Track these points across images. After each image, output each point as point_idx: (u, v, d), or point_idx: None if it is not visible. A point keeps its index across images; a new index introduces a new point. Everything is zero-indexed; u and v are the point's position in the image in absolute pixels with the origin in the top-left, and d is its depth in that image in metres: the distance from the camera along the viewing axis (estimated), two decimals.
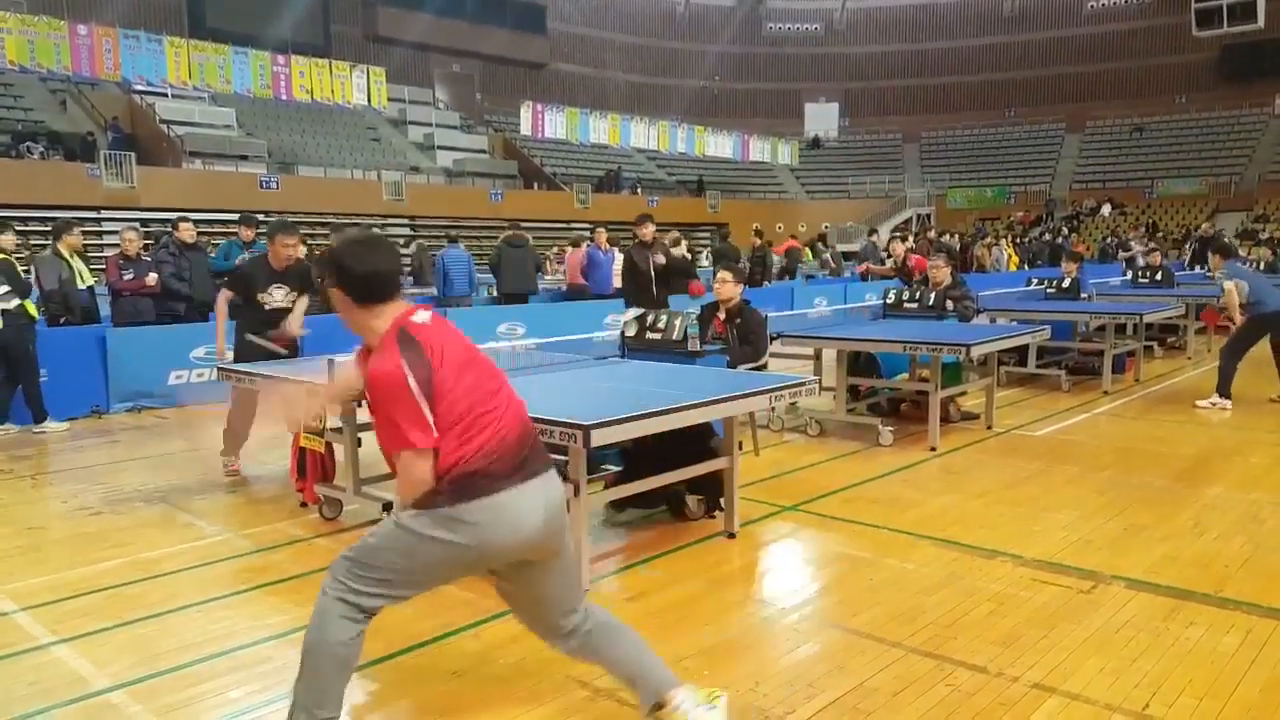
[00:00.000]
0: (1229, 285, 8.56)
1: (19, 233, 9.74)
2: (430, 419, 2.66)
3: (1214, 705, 3.17)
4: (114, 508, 5.86)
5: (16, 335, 8.08)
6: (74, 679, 3.49)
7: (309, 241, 11.27)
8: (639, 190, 36.81)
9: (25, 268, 9.28)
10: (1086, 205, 38.08)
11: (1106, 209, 37.01)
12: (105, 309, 9.97)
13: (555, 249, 22.16)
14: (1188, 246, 19.36)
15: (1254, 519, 5.25)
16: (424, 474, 2.72)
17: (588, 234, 15.79)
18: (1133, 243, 22.01)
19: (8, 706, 3.28)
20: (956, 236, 22.84)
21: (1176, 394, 9.50)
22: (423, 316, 2.79)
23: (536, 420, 3.95)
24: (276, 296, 6.63)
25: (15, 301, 8.05)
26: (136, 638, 3.86)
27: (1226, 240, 9.68)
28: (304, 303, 6.80)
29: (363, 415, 5.15)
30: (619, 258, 13.95)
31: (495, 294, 14.44)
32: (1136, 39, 43.33)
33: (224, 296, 6.69)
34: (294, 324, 6.56)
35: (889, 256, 11.46)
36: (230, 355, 6.60)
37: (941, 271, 9.12)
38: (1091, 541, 4.89)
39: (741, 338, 6.88)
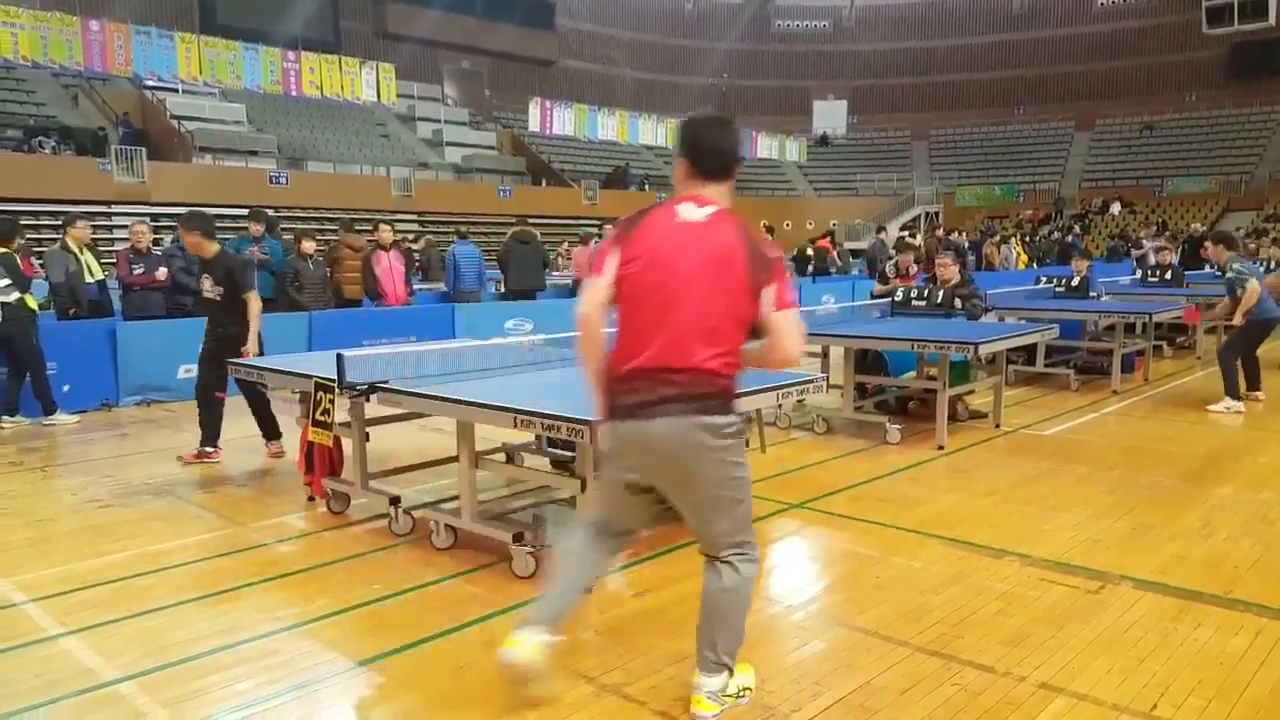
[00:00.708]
0: (1254, 285, 8.27)
1: (28, 226, 9.77)
2: (609, 270, 3.01)
3: (1223, 706, 3.16)
4: (123, 500, 5.88)
5: (18, 328, 8.10)
6: (82, 670, 3.51)
7: (318, 237, 11.27)
8: (646, 187, 36.77)
9: (40, 263, 9.33)
10: (1096, 204, 37.95)
11: (1116, 207, 36.88)
12: (117, 303, 10.01)
13: (565, 245, 22.17)
14: (1179, 247, 19.35)
15: (1263, 519, 5.22)
16: (588, 301, 3.02)
17: (595, 230, 15.83)
18: (1144, 240, 21.91)
19: (17, 697, 3.30)
20: (964, 234, 22.77)
21: (1186, 394, 9.46)
22: (699, 212, 3.03)
23: (544, 416, 3.96)
24: (205, 286, 6.92)
25: (15, 295, 8.07)
26: (144, 630, 3.88)
27: (1229, 232, 9.26)
28: (254, 305, 6.86)
29: (370, 410, 5.17)
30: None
31: (502, 290, 14.46)
32: (1146, 37, 43.15)
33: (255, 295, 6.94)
34: (250, 347, 6.73)
35: (895, 274, 11.40)
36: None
37: (949, 269, 9.09)
38: (1100, 541, 4.88)
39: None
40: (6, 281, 8.01)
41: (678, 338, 2.92)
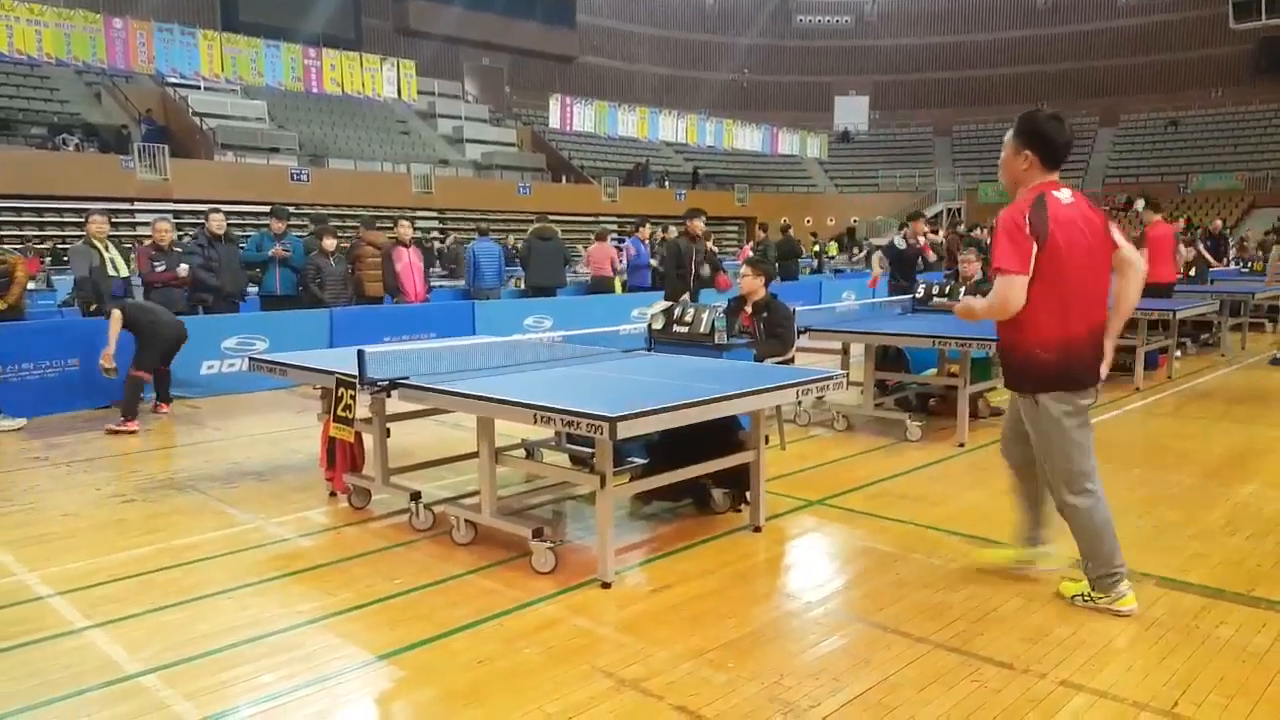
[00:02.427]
0: None
1: (51, 223, 9.75)
2: (1032, 262, 3.56)
3: (1244, 705, 3.13)
4: (147, 495, 5.94)
5: None
6: (107, 663, 3.55)
7: (339, 234, 11.32)
8: (666, 183, 36.75)
9: (65, 258, 9.40)
10: (1120, 200, 37.63)
11: (1140, 204, 36.51)
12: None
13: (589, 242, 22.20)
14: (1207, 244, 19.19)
15: None
16: (1014, 296, 3.61)
17: (613, 227, 15.87)
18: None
19: (43, 689, 3.34)
20: (986, 231, 22.63)
21: (1209, 392, 9.38)
22: (1066, 194, 3.67)
23: (564, 412, 3.97)
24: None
25: None
26: (168, 623, 3.92)
27: None
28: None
29: (391, 406, 5.20)
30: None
31: (523, 286, 14.49)
32: (1172, 31, 42.75)
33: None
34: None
35: (906, 245, 11.39)
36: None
37: (972, 265, 9.05)
38: (1122, 539, 4.81)
39: (769, 331, 6.87)
40: None
41: (1100, 310, 3.76)
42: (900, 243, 11.72)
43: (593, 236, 16.38)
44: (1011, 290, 3.58)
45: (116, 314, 8.21)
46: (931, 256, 11.71)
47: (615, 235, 19.45)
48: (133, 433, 7.84)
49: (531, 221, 15.63)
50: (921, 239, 11.80)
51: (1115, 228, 3.79)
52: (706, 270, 11.01)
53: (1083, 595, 3.91)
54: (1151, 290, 11.47)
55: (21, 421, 8.27)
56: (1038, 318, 3.63)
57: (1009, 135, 3.80)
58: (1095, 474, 3.85)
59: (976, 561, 4.31)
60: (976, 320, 4.00)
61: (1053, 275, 3.58)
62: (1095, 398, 3.84)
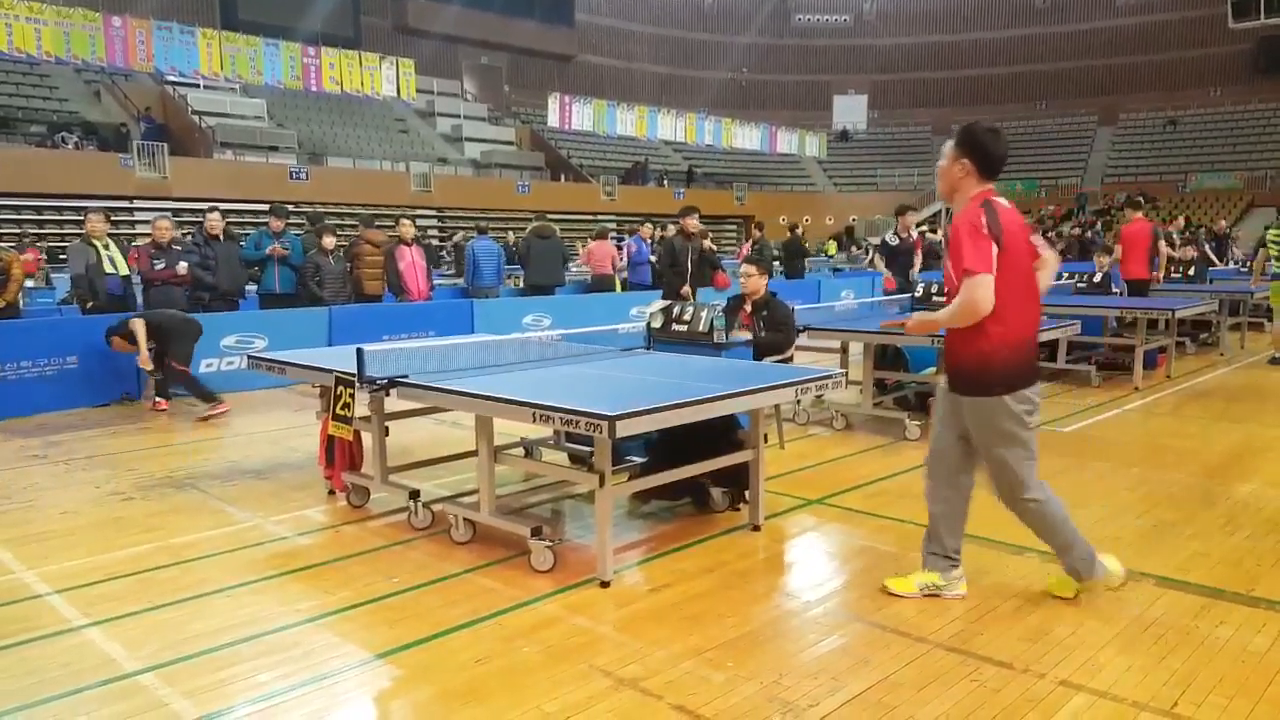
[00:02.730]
0: None
1: (51, 221, 9.69)
2: (994, 259, 3.62)
3: (1244, 704, 3.13)
4: (145, 493, 5.93)
5: None
6: (105, 661, 3.55)
7: (338, 233, 11.32)
8: (665, 182, 36.74)
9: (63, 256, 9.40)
10: (1118, 199, 37.63)
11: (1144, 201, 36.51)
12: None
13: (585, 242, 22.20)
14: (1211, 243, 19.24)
15: None
16: (985, 296, 3.62)
17: (611, 226, 15.88)
18: (1174, 235, 21.75)
19: (41, 687, 3.34)
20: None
21: (1209, 391, 9.38)
22: (1005, 201, 3.78)
23: (563, 411, 3.96)
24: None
25: None
26: (166, 621, 3.91)
27: None
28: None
29: (390, 405, 5.20)
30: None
31: (522, 285, 14.49)
32: (1170, 30, 42.73)
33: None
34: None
35: (899, 242, 11.37)
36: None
37: None
38: (1120, 538, 4.85)
39: (769, 329, 6.86)
40: None
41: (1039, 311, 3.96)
42: (892, 239, 11.70)
43: (592, 235, 16.39)
44: (981, 291, 3.61)
45: (139, 324, 8.42)
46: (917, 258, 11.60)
47: (614, 234, 19.45)
48: (225, 410, 8.47)
49: (530, 220, 15.61)
50: (913, 233, 11.77)
51: (1037, 236, 4.03)
52: (703, 250, 10.93)
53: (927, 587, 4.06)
54: (1127, 287, 11.66)
55: None
56: (1005, 316, 3.69)
57: (948, 145, 3.91)
58: None
59: (885, 587, 4.14)
60: (936, 331, 4.06)
61: (1011, 275, 3.68)
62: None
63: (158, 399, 8.83)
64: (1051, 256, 4.03)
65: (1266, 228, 14.88)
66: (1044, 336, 8.01)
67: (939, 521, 4.11)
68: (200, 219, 11.11)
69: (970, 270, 3.63)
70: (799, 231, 20.16)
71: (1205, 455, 6.65)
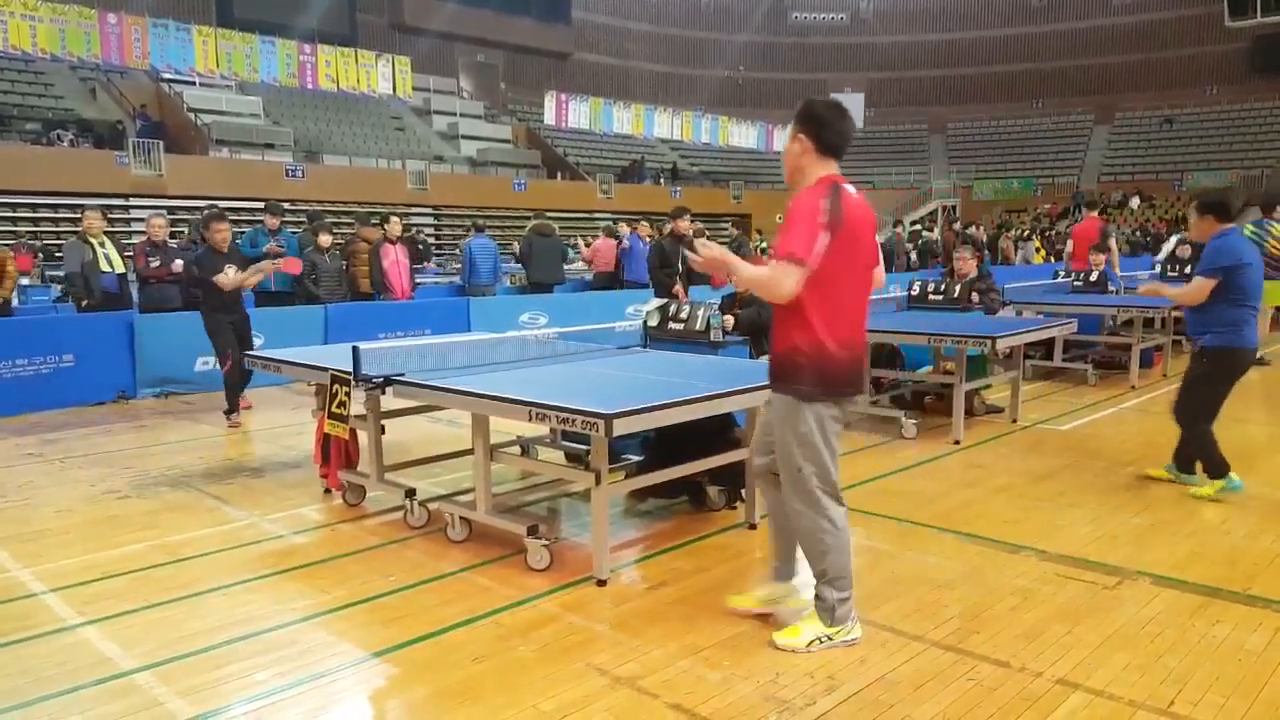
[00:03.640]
0: (1204, 283, 5.35)
1: (46, 219, 9.64)
2: (821, 249, 3.30)
3: (1240, 703, 3.13)
4: (140, 492, 5.92)
5: None
6: (101, 660, 3.54)
7: (335, 230, 11.31)
8: (661, 180, 36.72)
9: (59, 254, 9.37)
10: (1115, 198, 37.69)
11: (1135, 202, 36.61)
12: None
13: (585, 238, 22.18)
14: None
15: None
16: (790, 286, 3.33)
17: (612, 223, 15.88)
18: (1172, 235, 21.80)
19: (36, 686, 3.33)
20: (981, 228, 22.67)
21: None
22: (852, 189, 3.45)
23: (559, 409, 3.96)
24: (230, 275, 7.90)
25: None
26: (162, 620, 3.90)
27: (1222, 198, 5.78)
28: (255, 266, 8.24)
29: (386, 403, 5.19)
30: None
31: (524, 283, 14.48)
32: (1167, 29, 42.78)
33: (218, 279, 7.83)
34: (244, 276, 7.99)
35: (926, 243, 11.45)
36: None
37: (967, 264, 9.05)
38: (1117, 537, 4.85)
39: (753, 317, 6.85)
40: None
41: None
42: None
43: (601, 232, 16.40)
44: (790, 281, 3.30)
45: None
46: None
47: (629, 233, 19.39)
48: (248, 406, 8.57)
49: (527, 218, 15.61)
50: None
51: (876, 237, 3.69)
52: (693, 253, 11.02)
53: (821, 638, 3.55)
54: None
55: None
56: (829, 311, 3.39)
57: (789, 126, 3.58)
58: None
59: (727, 604, 3.92)
60: (726, 275, 3.63)
61: (842, 267, 3.38)
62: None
63: (233, 415, 8.13)
64: (879, 273, 3.67)
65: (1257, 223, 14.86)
66: (1041, 335, 8.05)
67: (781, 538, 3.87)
68: (195, 217, 11.07)
69: (791, 255, 3.30)
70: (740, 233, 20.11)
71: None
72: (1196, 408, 5.61)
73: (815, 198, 3.33)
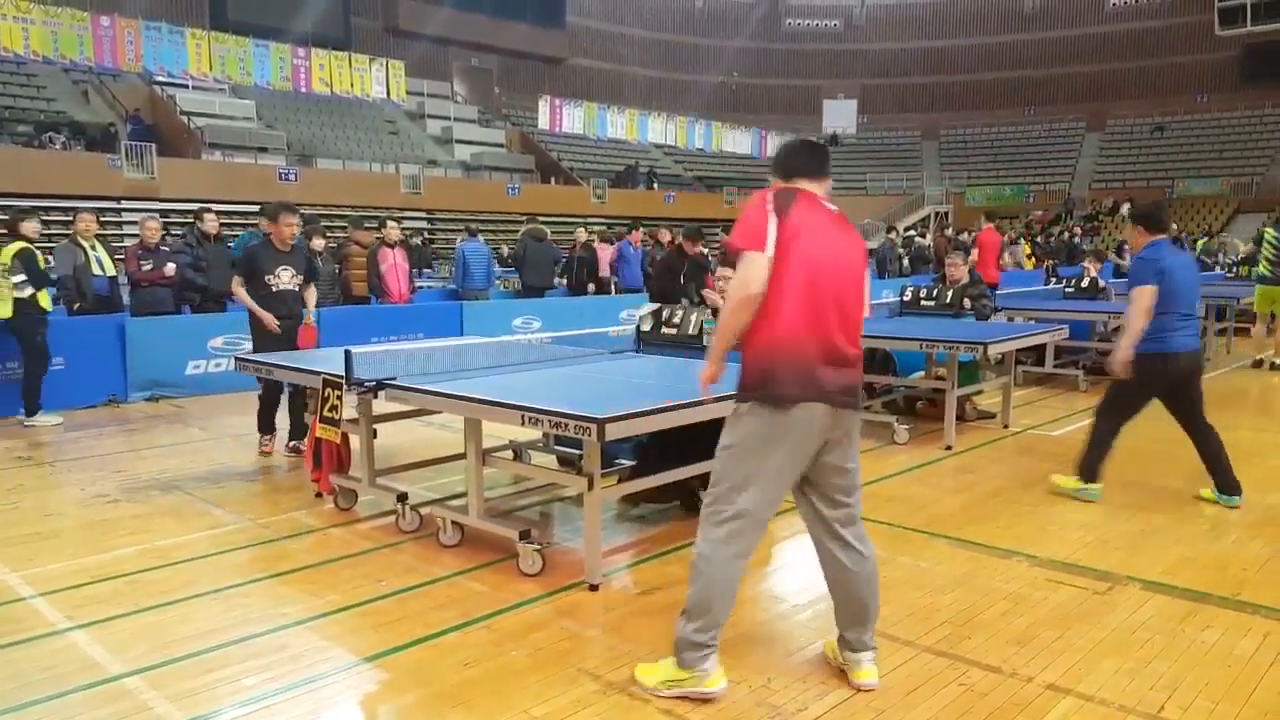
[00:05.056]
0: (1139, 291, 5.38)
1: (40, 221, 9.61)
2: (770, 239, 3.05)
3: (1230, 708, 3.14)
4: (131, 495, 5.90)
5: (26, 325, 8.07)
6: (89, 664, 3.52)
7: (327, 234, 11.29)
8: (655, 185, 36.74)
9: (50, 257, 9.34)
10: (1106, 204, 37.82)
11: (1126, 208, 36.72)
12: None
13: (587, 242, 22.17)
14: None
15: (1273, 522, 5.20)
16: (755, 274, 3.06)
17: (609, 230, 15.93)
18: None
19: (24, 691, 3.31)
20: (973, 235, 22.71)
21: None
22: (828, 204, 3.23)
23: (552, 414, 3.96)
24: (283, 278, 6.86)
25: (29, 291, 8.04)
26: (152, 624, 3.89)
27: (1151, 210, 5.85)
28: (313, 293, 7.11)
29: (378, 407, 5.18)
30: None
31: (517, 287, 14.51)
32: (1158, 37, 42.95)
33: (237, 281, 6.90)
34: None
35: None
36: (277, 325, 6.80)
37: (959, 269, 9.07)
38: (1108, 542, 4.87)
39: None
40: (22, 277, 8.01)
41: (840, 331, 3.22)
42: None
43: (596, 238, 16.42)
44: (748, 269, 3.04)
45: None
46: None
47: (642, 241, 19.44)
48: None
49: (520, 223, 15.60)
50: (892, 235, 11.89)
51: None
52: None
53: (670, 682, 3.21)
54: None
55: (59, 418, 8.32)
56: (774, 310, 3.07)
57: None
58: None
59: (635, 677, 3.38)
60: (731, 324, 3.15)
61: (793, 265, 3.05)
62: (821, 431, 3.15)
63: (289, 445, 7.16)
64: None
65: (1263, 226, 15.00)
66: (1032, 341, 8.07)
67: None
68: (189, 220, 11.04)
69: (738, 247, 3.09)
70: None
71: (1192, 460, 6.64)
72: (1111, 406, 5.71)
73: (765, 192, 3.16)
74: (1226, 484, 5.56)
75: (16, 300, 8.00)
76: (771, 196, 3.11)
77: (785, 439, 3.10)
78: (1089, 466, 5.62)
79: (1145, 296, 5.33)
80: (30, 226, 8.43)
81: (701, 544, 3.18)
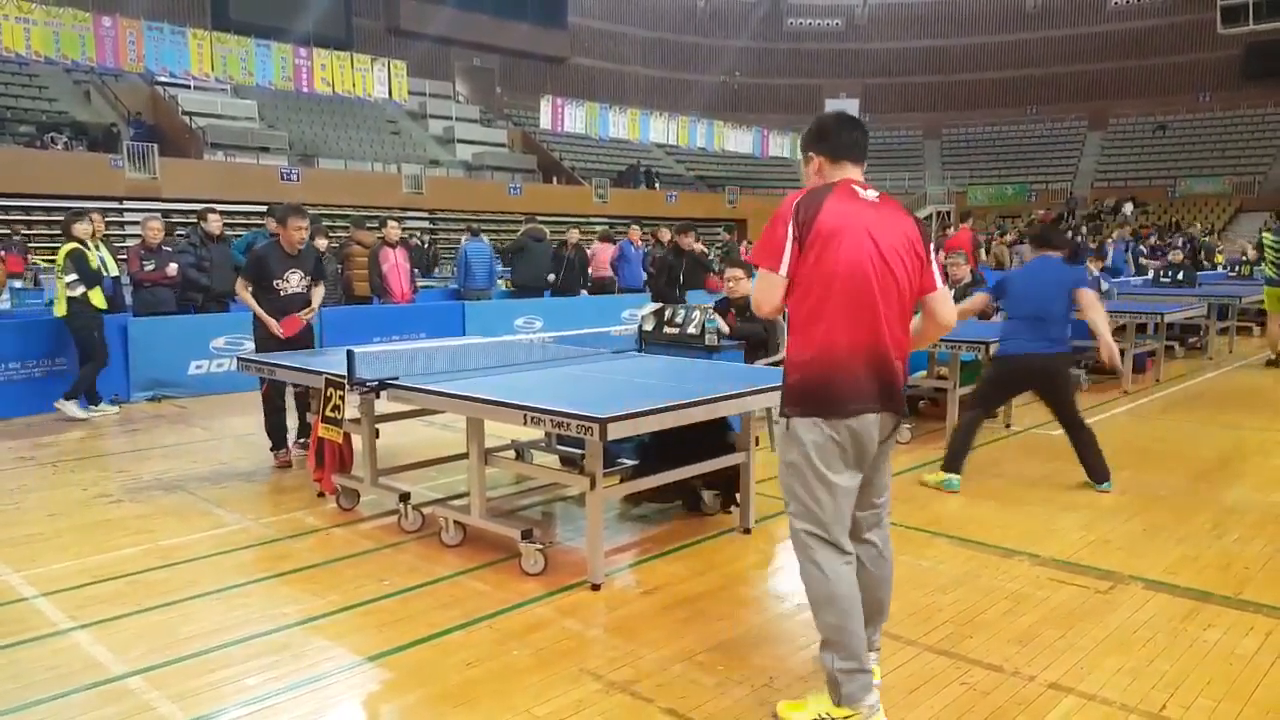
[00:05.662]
0: (972, 302, 6.34)
1: (39, 222, 9.61)
2: (786, 257, 2.97)
3: (1232, 707, 3.14)
4: (133, 495, 5.91)
5: (80, 323, 8.36)
6: (92, 664, 3.53)
7: (330, 234, 11.30)
8: (657, 185, 36.74)
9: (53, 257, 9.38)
10: (1108, 203, 37.80)
11: (1128, 207, 36.72)
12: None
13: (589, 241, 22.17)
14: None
15: (1275, 521, 5.20)
16: (770, 294, 3.04)
17: (609, 229, 15.91)
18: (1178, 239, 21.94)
19: (27, 691, 3.32)
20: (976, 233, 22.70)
21: (1197, 395, 9.42)
22: (872, 193, 3.07)
23: (554, 413, 3.96)
24: (292, 282, 6.72)
25: (81, 290, 8.29)
26: (154, 624, 3.89)
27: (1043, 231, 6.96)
28: (320, 293, 6.98)
29: (380, 407, 5.19)
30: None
31: (511, 286, 14.48)
32: (1160, 36, 42.93)
33: (242, 284, 6.78)
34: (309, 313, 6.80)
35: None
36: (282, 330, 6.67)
37: (960, 269, 9.06)
38: (1109, 541, 4.86)
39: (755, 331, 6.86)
40: (74, 276, 8.20)
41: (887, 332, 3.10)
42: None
43: (596, 238, 16.40)
44: (761, 287, 3.03)
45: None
46: None
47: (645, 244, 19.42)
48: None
49: (521, 223, 15.60)
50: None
51: (936, 264, 3.19)
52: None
53: (822, 717, 3.01)
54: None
55: (116, 410, 8.65)
56: (807, 323, 3.00)
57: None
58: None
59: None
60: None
61: (824, 275, 2.94)
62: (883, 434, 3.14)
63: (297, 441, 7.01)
64: (936, 303, 3.25)
65: (1262, 230, 15.02)
66: None
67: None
68: (191, 220, 11.04)
69: (754, 262, 3.11)
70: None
71: (1193, 459, 6.67)
72: (976, 396, 6.31)
73: (792, 198, 3.01)
74: (1094, 472, 5.95)
75: (69, 300, 8.28)
76: (796, 206, 2.96)
77: (845, 451, 3.01)
78: (955, 456, 5.94)
79: (981, 301, 6.37)
80: (82, 228, 8.63)
81: (802, 570, 3.06)
